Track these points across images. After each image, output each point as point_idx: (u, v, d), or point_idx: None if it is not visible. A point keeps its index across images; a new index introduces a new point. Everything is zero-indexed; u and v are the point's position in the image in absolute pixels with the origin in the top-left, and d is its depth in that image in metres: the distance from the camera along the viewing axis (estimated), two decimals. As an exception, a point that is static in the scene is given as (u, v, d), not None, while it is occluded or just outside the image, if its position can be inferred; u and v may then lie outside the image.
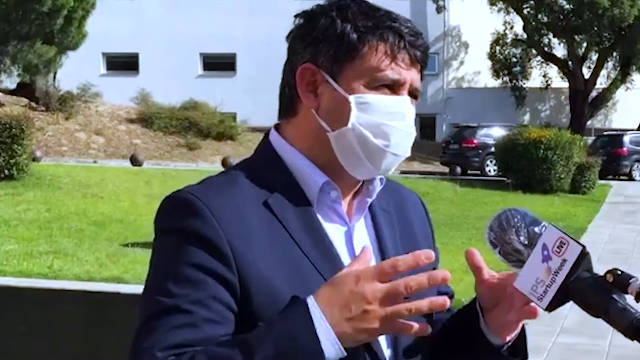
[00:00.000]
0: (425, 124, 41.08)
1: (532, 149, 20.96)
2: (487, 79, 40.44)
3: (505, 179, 22.64)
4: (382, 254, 1.44)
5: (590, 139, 30.98)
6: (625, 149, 29.84)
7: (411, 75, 1.40)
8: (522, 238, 1.34)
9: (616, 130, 34.88)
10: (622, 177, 29.09)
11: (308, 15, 1.45)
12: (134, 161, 23.45)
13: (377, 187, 1.46)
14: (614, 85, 37.20)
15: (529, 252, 1.31)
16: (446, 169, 28.69)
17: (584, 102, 36.32)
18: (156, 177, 18.32)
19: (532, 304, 1.34)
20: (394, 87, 1.38)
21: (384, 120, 1.37)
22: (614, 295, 1.25)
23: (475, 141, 28.22)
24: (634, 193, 22.54)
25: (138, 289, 4.35)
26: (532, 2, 36.22)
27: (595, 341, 7.19)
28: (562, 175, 21.23)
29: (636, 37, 33.01)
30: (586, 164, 22.29)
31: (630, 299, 1.24)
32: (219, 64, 39.95)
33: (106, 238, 11.78)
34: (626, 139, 30.49)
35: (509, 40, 39.09)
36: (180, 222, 1.32)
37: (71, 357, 4.66)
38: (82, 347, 4.67)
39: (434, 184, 21.94)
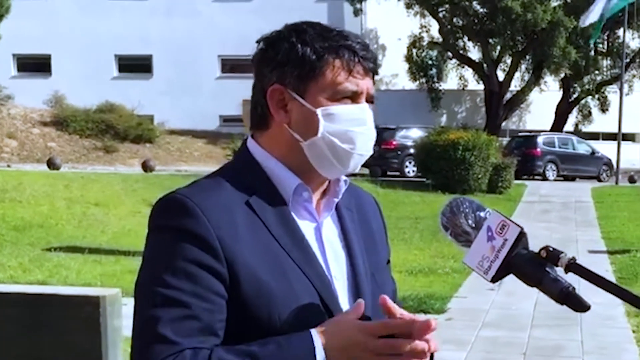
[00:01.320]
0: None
1: (450, 150, 21.32)
2: (404, 81, 40.82)
3: (424, 179, 22.99)
4: (347, 247, 1.65)
5: (505, 140, 31.69)
6: (539, 149, 30.65)
7: (366, 84, 1.61)
8: (470, 222, 1.57)
9: (530, 131, 35.80)
10: (536, 177, 29.88)
11: (269, 41, 1.63)
12: (51, 165, 22.91)
13: (343, 187, 1.66)
14: (528, 87, 38.01)
15: (475, 233, 1.54)
16: (366, 171, 28.93)
17: (499, 104, 37.09)
18: (75, 181, 17.92)
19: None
20: (353, 97, 1.59)
21: (348, 127, 1.58)
22: (547, 268, 1.48)
23: (394, 143, 28.44)
24: (548, 192, 23.19)
25: (73, 290, 4.34)
26: (447, 5, 36.73)
27: (515, 334, 7.44)
28: (480, 176, 21.67)
29: (548, 41, 33.80)
30: (502, 164, 22.81)
31: (560, 271, 1.48)
32: (135, 65, 39.26)
33: (28, 243, 11.51)
34: (540, 140, 31.32)
35: (425, 43, 39.52)
36: (174, 220, 1.50)
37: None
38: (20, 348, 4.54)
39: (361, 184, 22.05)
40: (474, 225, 1.56)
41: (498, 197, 21.75)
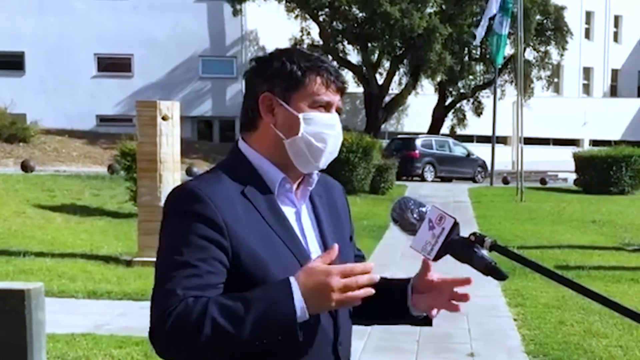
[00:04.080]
0: (225, 127, 41.16)
1: (334, 151, 21.59)
2: (285, 83, 41.11)
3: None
4: (319, 227, 2.06)
5: (384, 142, 32.40)
6: (417, 151, 31.52)
7: (337, 99, 2.03)
8: (415, 215, 1.98)
9: (408, 133, 36.72)
10: (415, 178, 30.72)
11: (262, 59, 2.05)
12: None
13: (315, 178, 2.07)
14: (406, 91, 38.93)
15: (419, 224, 1.95)
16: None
17: (378, 106, 37.80)
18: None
19: (456, 303, 2.05)
20: (326, 106, 1.99)
21: (322, 130, 1.98)
22: (475, 249, 1.91)
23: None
24: (427, 193, 23.87)
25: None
26: (327, 10, 37.15)
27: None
28: (363, 177, 22.08)
29: (425, 47, 34.66)
30: (384, 166, 23.32)
31: (485, 251, 1.92)
32: (6, 62, 37.85)
33: None
34: (418, 142, 32.22)
35: (305, 46, 39.81)
36: (189, 206, 1.88)
37: None
38: None
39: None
40: (418, 218, 1.96)
41: (380, 197, 22.24)
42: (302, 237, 2.00)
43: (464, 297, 2.04)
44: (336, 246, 1.84)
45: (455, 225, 1.93)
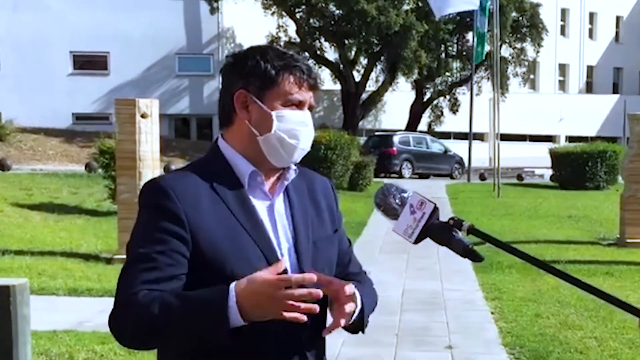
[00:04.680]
0: (203, 125, 41.06)
1: (313, 149, 21.55)
2: (262, 81, 40.98)
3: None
4: (292, 220, 2.10)
5: (362, 139, 32.51)
6: (395, 148, 31.65)
7: (309, 96, 2.09)
8: (397, 201, 2.06)
9: (386, 130, 36.86)
10: (393, 175, 30.85)
11: (238, 57, 2.11)
12: None
13: (292, 173, 2.12)
14: (383, 88, 39.12)
15: (401, 209, 2.04)
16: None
17: (356, 103, 37.92)
18: None
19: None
20: (299, 105, 2.06)
21: (294, 127, 2.05)
22: (454, 232, 2.00)
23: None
24: (406, 189, 23.96)
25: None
26: (304, 7, 37.20)
27: (388, 317, 7.87)
28: (341, 174, 22.15)
29: (401, 44, 34.81)
30: (362, 162, 23.40)
31: (463, 234, 2.01)
32: (-19, 60, 37.61)
33: None
34: (395, 139, 32.34)
35: (282, 43, 39.75)
36: (153, 199, 1.98)
37: None
38: None
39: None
40: (400, 203, 2.05)
41: (359, 194, 22.33)
42: (273, 230, 2.05)
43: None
44: (283, 261, 1.89)
45: (435, 210, 2.01)
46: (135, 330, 1.88)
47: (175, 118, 40.41)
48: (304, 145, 2.08)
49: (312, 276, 1.85)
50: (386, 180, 27.74)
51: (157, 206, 1.95)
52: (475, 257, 1.99)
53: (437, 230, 2.01)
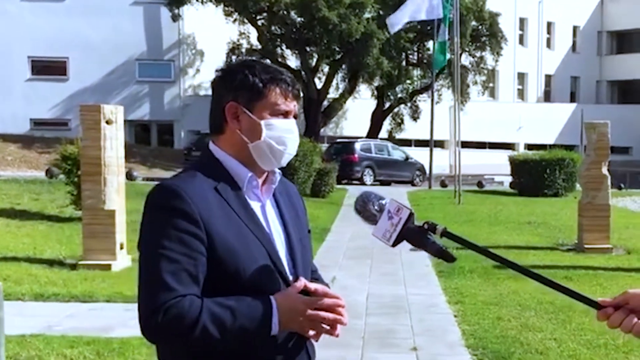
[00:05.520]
0: (163, 131, 40.91)
1: (275, 155, 21.65)
2: (225, 88, 40.67)
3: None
4: (283, 220, 2.29)
5: (324, 146, 32.63)
6: (356, 155, 31.85)
7: (294, 106, 2.28)
8: (376, 207, 2.22)
9: (347, 138, 37.04)
10: (354, 182, 31.02)
11: (227, 70, 2.30)
12: None
13: (278, 177, 2.32)
14: (344, 95, 39.32)
15: (380, 215, 2.19)
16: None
17: (317, 111, 38.03)
18: None
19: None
20: (285, 114, 2.24)
21: (282, 134, 2.23)
22: (428, 235, 2.16)
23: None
24: (367, 196, 24.12)
25: None
26: (265, 14, 37.25)
27: (353, 321, 7.98)
28: (304, 180, 22.23)
29: (363, 51, 35.03)
30: (325, 169, 23.52)
31: (437, 237, 2.18)
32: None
33: None
34: (357, 146, 32.53)
35: (244, 50, 39.74)
36: (169, 202, 2.09)
37: None
38: None
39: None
40: (378, 209, 2.21)
41: (321, 200, 22.46)
42: (268, 230, 2.23)
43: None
44: (302, 281, 2.16)
45: (411, 215, 2.18)
46: (181, 337, 2.02)
47: (136, 124, 40.22)
48: (290, 150, 2.27)
49: (342, 302, 2.16)
50: (349, 187, 27.79)
51: (173, 208, 2.07)
52: (448, 258, 2.16)
53: (413, 234, 2.17)
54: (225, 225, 2.11)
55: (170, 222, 2.06)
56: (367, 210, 2.23)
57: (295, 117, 2.30)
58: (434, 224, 2.17)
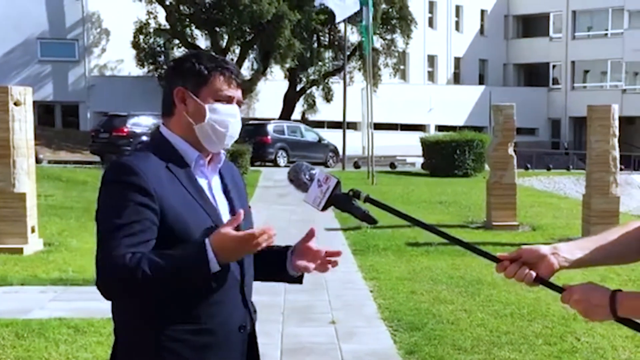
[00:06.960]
0: (68, 112, 39.85)
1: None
2: (131, 68, 39.87)
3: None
4: (227, 195, 2.57)
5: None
6: (269, 137, 31.85)
7: (237, 93, 2.53)
8: (307, 176, 2.47)
9: (260, 119, 36.97)
10: (268, 164, 31.04)
11: (177, 61, 2.58)
12: None
13: (223, 157, 2.60)
14: (256, 76, 39.14)
15: (310, 183, 2.45)
16: (97, 158, 28.39)
17: (229, 92, 37.76)
18: None
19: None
20: (228, 100, 2.50)
21: (224, 117, 2.49)
22: (353, 201, 2.44)
23: (125, 130, 28.02)
24: (282, 178, 24.06)
25: None
26: (174, -7, 36.68)
27: (273, 298, 8.14)
28: (217, 162, 22.13)
29: (274, 33, 34.92)
30: (238, 151, 23.46)
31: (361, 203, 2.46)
32: None
33: None
34: (270, 128, 32.54)
35: (151, 30, 38.98)
36: (125, 177, 2.35)
37: None
38: None
39: (91, 172, 21.95)
40: (309, 178, 2.47)
41: (235, 181, 22.38)
42: (214, 202, 2.52)
43: (334, 263, 2.63)
44: (242, 212, 2.35)
45: (338, 183, 2.45)
46: (127, 286, 2.27)
47: (39, 105, 39.10)
48: (232, 132, 2.52)
49: (270, 228, 2.32)
50: (263, 169, 27.67)
51: (129, 182, 2.33)
52: (371, 220, 2.46)
53: (340, 200, 2.44)
54: (176, 198, 2.38)
55: (126, 194, 2.31)
56: (299, 179, 2.48)
57: (238, 103, 2.54)
58: (358, 191, 2.44)
